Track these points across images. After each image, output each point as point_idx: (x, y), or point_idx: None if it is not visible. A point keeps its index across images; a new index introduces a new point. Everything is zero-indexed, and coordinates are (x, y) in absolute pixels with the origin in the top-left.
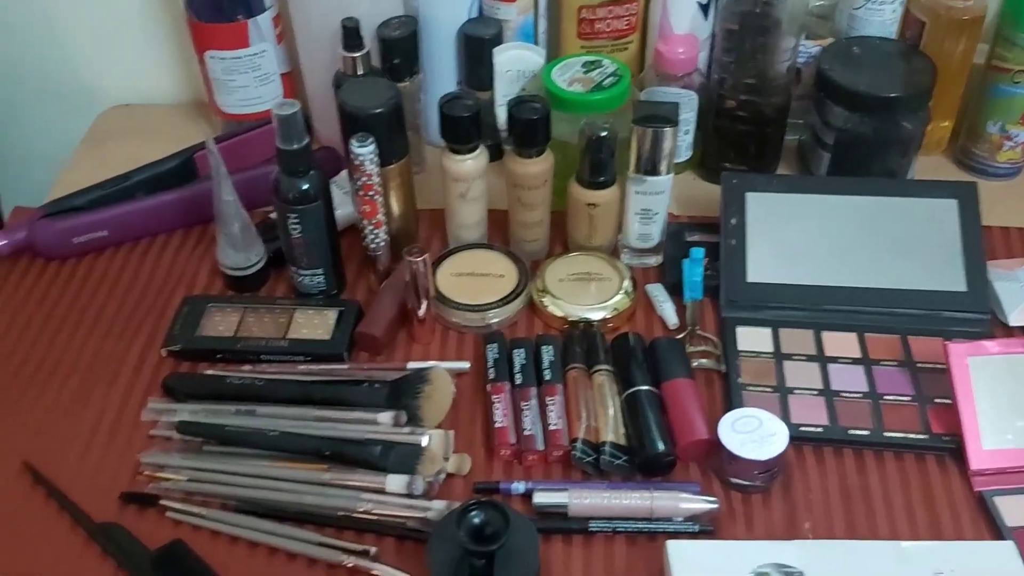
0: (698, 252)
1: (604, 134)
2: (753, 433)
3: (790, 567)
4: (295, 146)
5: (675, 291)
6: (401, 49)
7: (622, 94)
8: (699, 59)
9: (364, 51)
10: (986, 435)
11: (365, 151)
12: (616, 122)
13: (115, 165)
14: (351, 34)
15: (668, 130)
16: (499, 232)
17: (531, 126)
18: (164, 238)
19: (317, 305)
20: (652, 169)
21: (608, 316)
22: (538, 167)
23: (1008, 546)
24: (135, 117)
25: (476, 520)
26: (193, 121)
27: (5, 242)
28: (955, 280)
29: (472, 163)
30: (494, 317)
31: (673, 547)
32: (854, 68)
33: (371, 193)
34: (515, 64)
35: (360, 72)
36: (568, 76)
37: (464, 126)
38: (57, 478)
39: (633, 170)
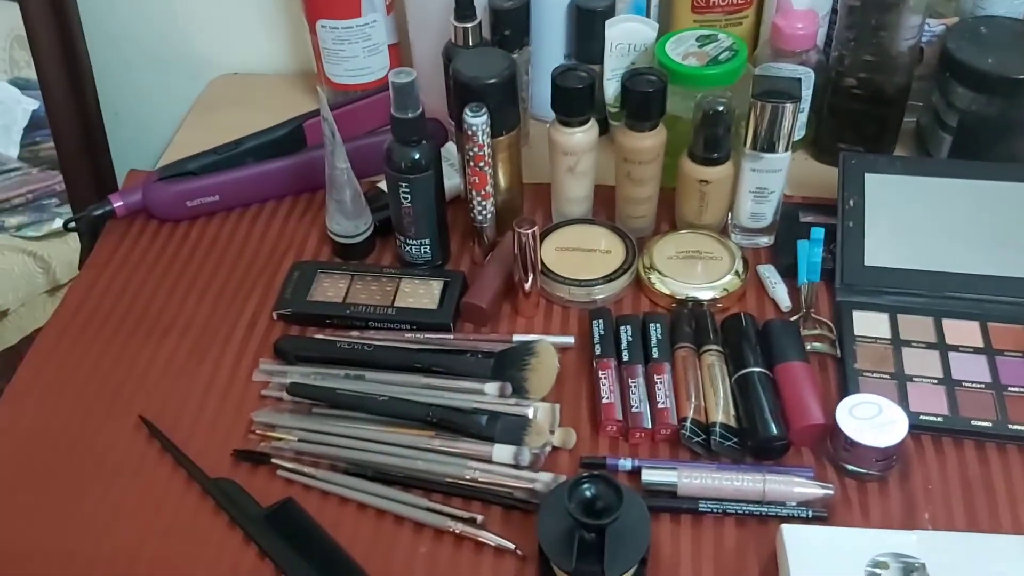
0: (818, 232)
1: (721, 108)
2: (872, 420)
3: (911, 557)
4: (410, 115)
5: (788, 273)
6: (512, 20)
7: (739, 68)
8: (818, 35)
9: (476, 21)
10: None
11: (478, 121)
12: (732, 97)
13: (225, 132)
14: (463, 4)
15: (789, 106)
16: (604, 208)
17: (646, 99)
18: (274, 204)
19: (423, 275)
20: (769, 146)
21: (717, 296)
22: (650, 141)
23: None
24: (245, 86)
25: (588, 493)
26: (301, 91)
27: (121, 204)
28: None
29: (583, 136)
30: (600, 293)
31: (789, 531)
32: (981, 48)
33: (481, 164)
34: (627, 37)
35: (471, 43)
36: (682, 50)
37: (578, 98)
38: (172, 434)
39: (750, 146)
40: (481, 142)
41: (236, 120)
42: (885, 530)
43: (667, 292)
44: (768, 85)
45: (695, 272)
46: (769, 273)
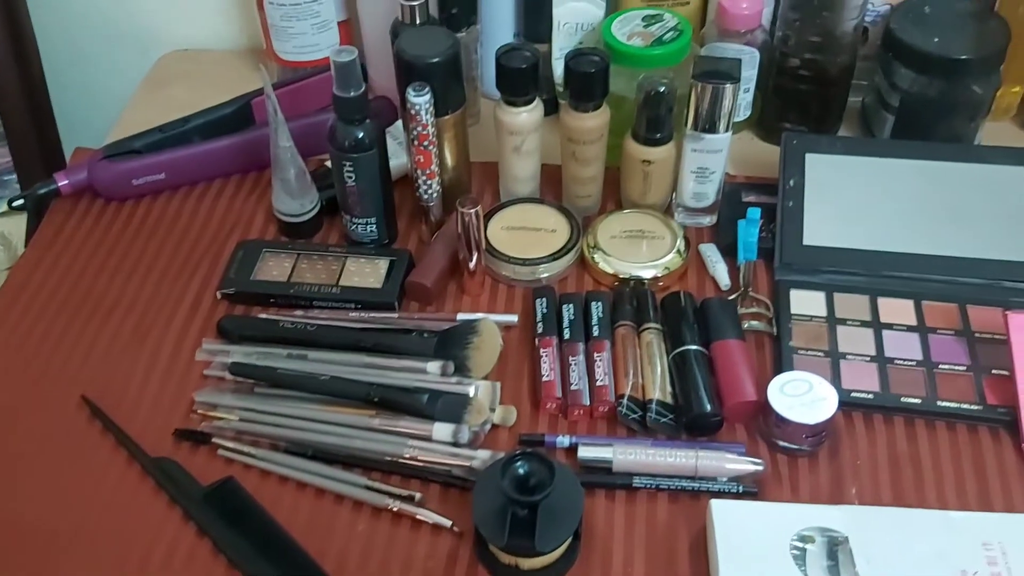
0: (754, 212)
1: (662, 89)
2: (803, 396)
3: (835, 531)
4: (352, 93)
5: (729, 252)
6: None
7: (682, 49)
8: (763, 15)
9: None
10: None
11: (421, 100)
12: (675, 78)
13: (174, 109)
14: None
15: (728, 87)
16: (552, 187)
17: (588, 79)
18: (220, 183)
19: (369, 254)
20: (710, 127)
21: (659, 275)
22: (594, 121)
23: None
24: (194, 62)
25: (521, 470)
26: (251, 67)
27: (66, 182)
28: (1020, 250)
29: (527, 116)
30: (544, 272)
31: (717, 506)
32: (924, 28)
33: (426, 143)
34: (574, 17)
35: (418, 21)
36: (628, 30)
37: (521, 78)
38: (114, 413)
39: (691, 127)
40: (425, 121)
41: (185, 97)
42: (811, 505)
43: (611, 271)
44: (708, 66)
45: (638, 251)
46: (710, 252)
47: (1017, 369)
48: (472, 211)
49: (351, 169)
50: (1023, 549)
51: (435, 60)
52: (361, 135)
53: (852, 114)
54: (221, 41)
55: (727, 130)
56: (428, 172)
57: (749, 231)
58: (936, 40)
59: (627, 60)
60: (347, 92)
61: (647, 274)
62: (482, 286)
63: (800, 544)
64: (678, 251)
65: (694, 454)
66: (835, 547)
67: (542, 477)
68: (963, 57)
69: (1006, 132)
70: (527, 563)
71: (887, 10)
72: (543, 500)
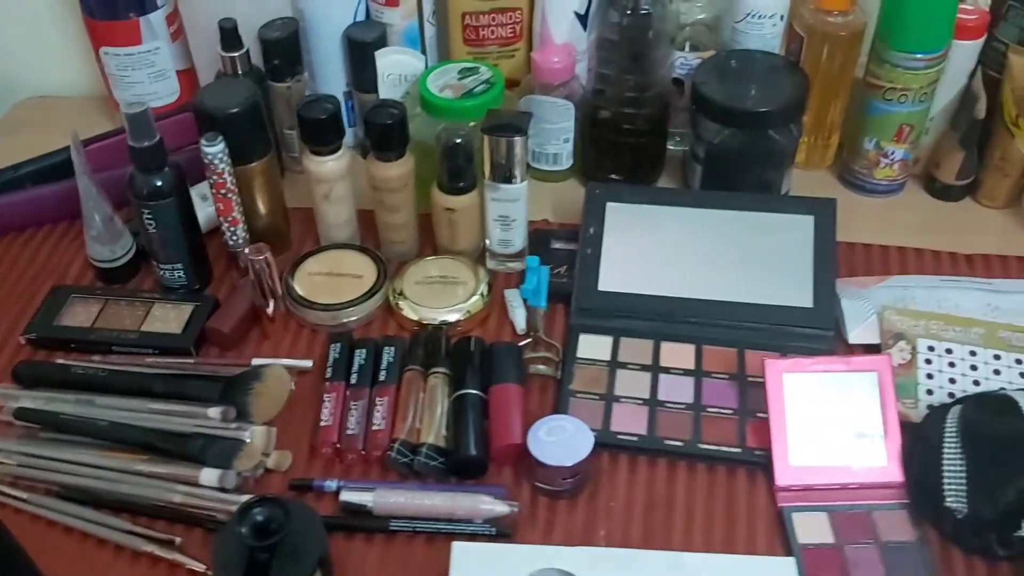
0: (532, 260)
1: (459, 141)
2: (559, 439)
3: (567, 572)
4: (146, 143)
5: None
6: (281, 50)
7: (490, 102)
8: (576, 69)
9: (242, 51)
10: (794, 451)
11: (214, 150)
12: (473, 129)
13: (24, 155)
14: (228, 34)
15: (517, 139)
16: (372, 233)
17: (386, 130)
18: (48, 229)
19: (176, 299)
20: (507, 177)
21: (461, 319)
22: (397, 170)
23: (788, 562)
24: (49, 108)
25: (260, 516)
26: (103, 115)
27: None
28: (802, 296)
29: (334, 164)
30: (345, 317)
31: (457, 548)
32: (727, 82)
33: (223, 191)
34: (396, 68)
35: (240, 72)
36: (443, 82)
37: (322, 128)
38: None
39: (488, 177)
40: (220, 170)
41: (37, 143)
42: (549, 546)
43: (414, 316)
44: (498, 119)
45: (442, 296)
46: (512, 297)
47: (771, 412)
48: (260, 258)
49: (150, 216)
50: None
51: (233, 111)
52: (159, 183)
53: (676, 164)
54: (77, 88)
55: (523, 180)
56: (230, 219)
57: (530, 278)
58: (736, 93)
59: (436, 111)
60: (141, 142)
61: (450, 318)
62: (285, 331)
63: None
64: (481, 295)
65: (451, 497)
66: None
67: (280, 521)
68: (761, 109)
69: (822, 181)
70: None
71: (700, 63)
72: (277, 543)
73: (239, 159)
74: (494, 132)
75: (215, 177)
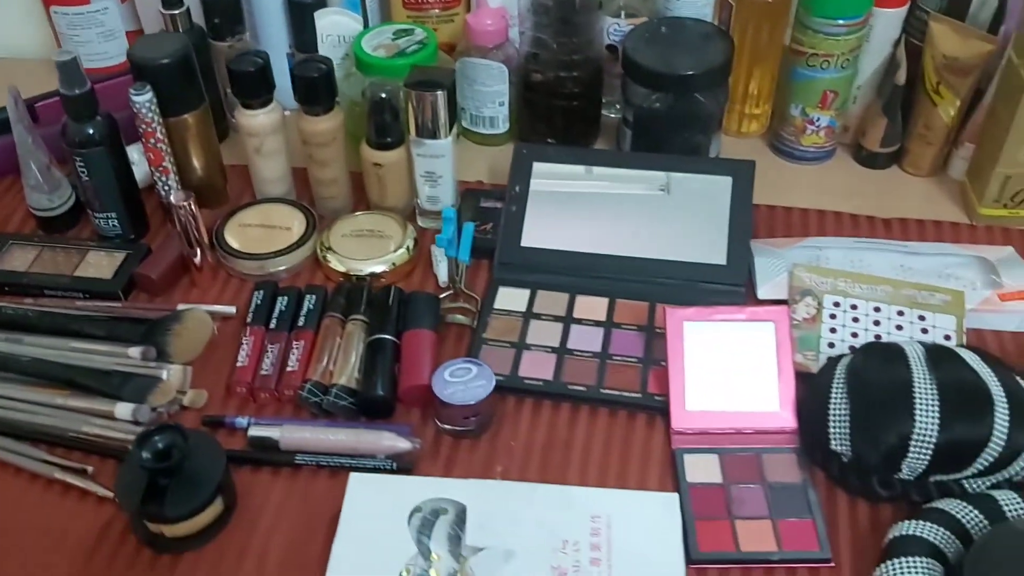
0: (449, 212)
1: (384, 96)
2: (462, 380)
3: (457, 502)
4: (77, 91)
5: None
6: (221, 9)
7: (421, 62)
8: (510, 32)
9: (181, 9)
10: (691, 397)
11: (141, 99)
12: (398, 85)
13: None
14: None
15: (439, 94)
16: (309, 189)
17: (312, 84)
18: None
19: (111, 247)
20: (431, 133)
21: (387, 270)
22: (325, 124)
23: (671, 498)
24: (4, 70)
25: (160, 443)
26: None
27: None
28: (716, 254)
29: (264, 118)
30: (272, 267)
31: (354, 478)
32: (655, 48)
33: (152, 140)
34: (334, 29)
35: (181, 30)
36: (377, 42)
37: (251, 81)
38: None
39: (413, 133)
40: (148, 119)
41: None
42: (443, 479)
43: (341, 268)
44: (421, 75)
45: (367, 249)
46: (438, 252)
47: (670, 359)
48: (184, 203)
49: (83, 165)
50: (627, 521)
51: (163, 61)
52: (91, 131)
53: (613, 130)
54: (33, 51)
55: (447, 136)
56: (162, 168)
57: (447, 229)
58: (664, 58)
59: (367, 69)
60: (72, 90)
61: (376, 269)
62: (214, 280)
63: (419, 514)
64: (407, 249)
65: (355, 433)
66: (439, 516)
67: (180, 446)
68: (686, 73)
69: (753, 148)
70: (171, 530)
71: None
72: (174, 467)
73: (172, 111)
74: (416, 87)
75: (144, 126)
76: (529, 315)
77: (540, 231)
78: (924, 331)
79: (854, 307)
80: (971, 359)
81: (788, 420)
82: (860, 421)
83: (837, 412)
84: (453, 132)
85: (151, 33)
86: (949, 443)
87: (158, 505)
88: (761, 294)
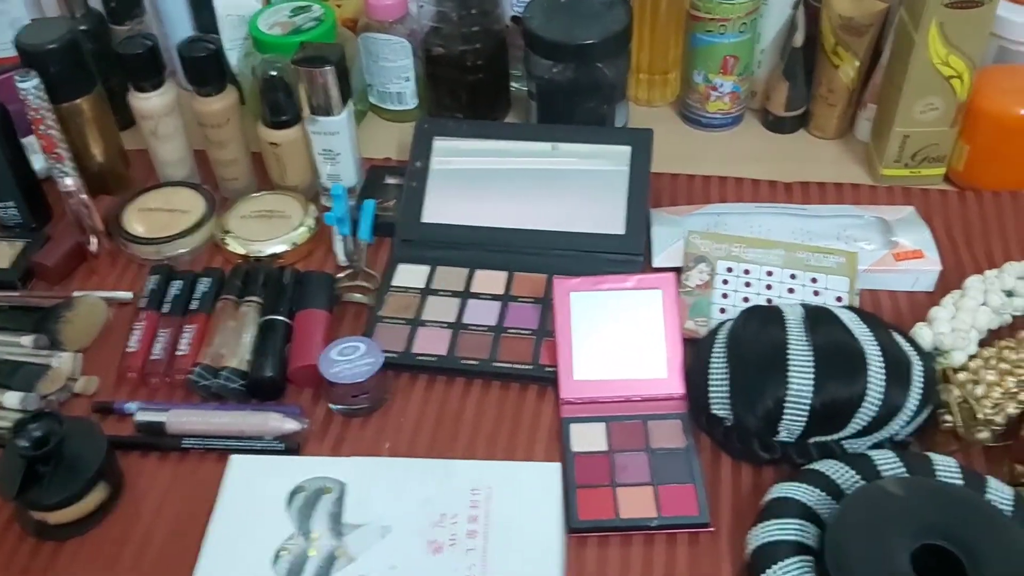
0: (337, 188)
1: (274, 73)
2: (349, 359)
3: (338, 480)
4: None
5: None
6: None
7: (317, 39)
8: (409, 7)
9: None
10: (579, 366)
11: (27, 85)
12: (288, 63)
13: None
14: None
15: (328, 70)
16: (209, 171)
17: (200, 63)
18: None
19: (11, 237)
20: (325, 110)
21: (287, 250)
22: (218, 105)
23: (553, 467)
24: None
25: (38, 432)
26: None
27: None
28: (615, 223)
29: (157, 100)
30: (169, 251)
31: (234, 460)
32: (555, 18)
33: (42, 127)
34: (233, 8)
35: (77, 14)
36: (273, 20)
37: (140, 63)
38: None
39: (307, 111)
40: (36, 105)
41: None
42: (325, 457)
43: (240, 250)
44: (309, 52)
45: (266, 230)
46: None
47: (558, 330)
48: (72, 190)
49: None
50: (507, 493)
51: (49, 47)
52: None
53: (522, 102)
54: None
55: (341, 113)
56: (54, 155)
57: (337, 207)
58: (562, 29)
59: (262, 47)
60: None
61: (276, 250)
62: (112, 266)
63: (302, 494)
64: (307, 228)
65: (241, 415)
66: (322, 494)
67: (57, 433)
68: (585, 42)
69: (663, 116)
70: (54, 517)
71: None
72: (52, 454)
73: (63, 96)
74: (304, 63)
75: (32, 113)
76: (427, 291)
77: (441, 206)
78: (816, 293)
79: (747, 272)
80: (849, 319)
81: (676, 386)
82: (738, 385)
83: (717, 376)
84: (347, 108)
85: (37, 19)
86: (824, 404)
87: (37, 492)
88: (657, 262)
